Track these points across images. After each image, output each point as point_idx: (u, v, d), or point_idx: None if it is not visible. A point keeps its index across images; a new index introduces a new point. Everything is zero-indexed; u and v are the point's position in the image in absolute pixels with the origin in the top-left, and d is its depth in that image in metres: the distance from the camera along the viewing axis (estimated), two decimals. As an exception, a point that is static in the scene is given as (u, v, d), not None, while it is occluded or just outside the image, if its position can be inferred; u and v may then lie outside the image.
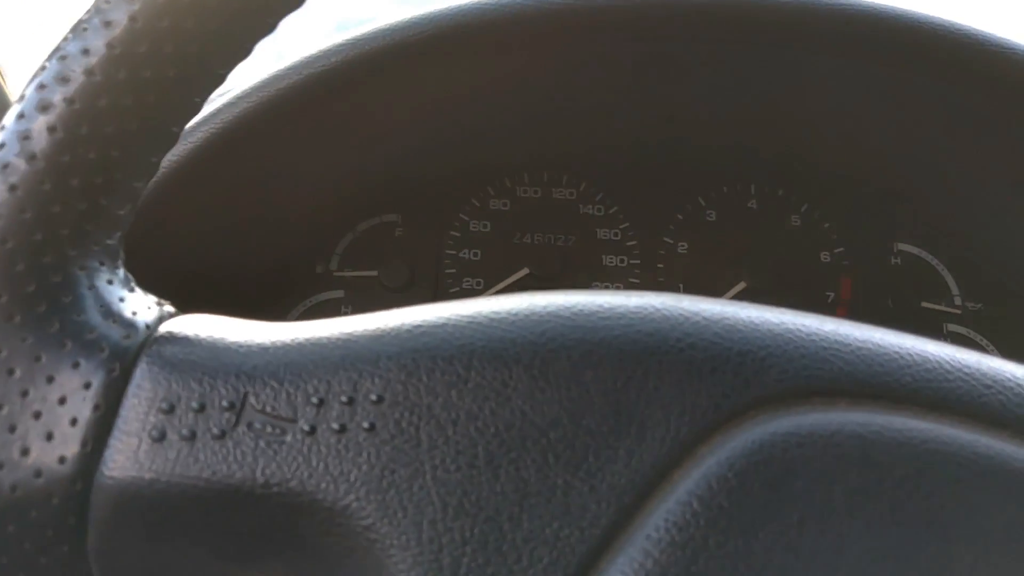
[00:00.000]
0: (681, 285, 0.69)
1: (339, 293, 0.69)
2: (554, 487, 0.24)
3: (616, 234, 0.69)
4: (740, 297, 0.69)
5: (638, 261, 0.69)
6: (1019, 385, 0.27)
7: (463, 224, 0.69)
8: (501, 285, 0.68)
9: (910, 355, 0.27)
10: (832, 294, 0.69)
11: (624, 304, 0.27)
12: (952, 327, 0.68)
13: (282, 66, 0.57)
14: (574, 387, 0.25)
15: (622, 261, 0.69)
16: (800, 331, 0.27)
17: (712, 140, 0.69)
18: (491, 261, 0.69)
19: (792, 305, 0.68)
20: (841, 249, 0.69)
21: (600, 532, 0.24)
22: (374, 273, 0.69)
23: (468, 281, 0.69)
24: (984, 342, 0.69)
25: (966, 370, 0.27)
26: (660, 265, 0.69)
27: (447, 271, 0.69)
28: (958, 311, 0.69)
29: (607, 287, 0.69)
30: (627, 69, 0.64)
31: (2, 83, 0.74)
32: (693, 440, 0.25)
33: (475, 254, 0.69)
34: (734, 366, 0.26)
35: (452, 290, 0.69)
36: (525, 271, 0.69)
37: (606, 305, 0.27)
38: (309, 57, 0.57)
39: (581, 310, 0.27)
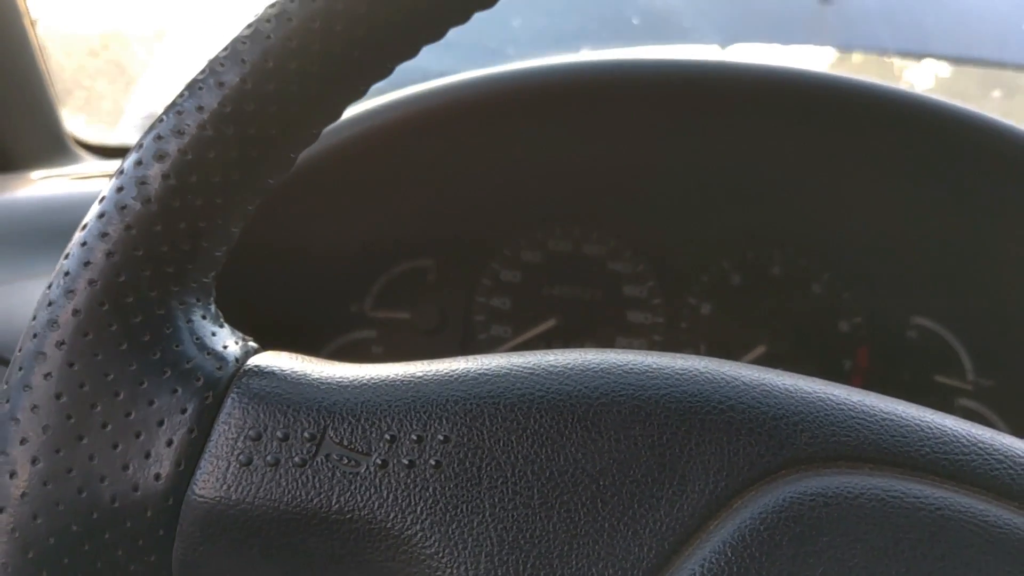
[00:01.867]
0: (703, 345, 0.71)
1: (371, 333, 0.71)
2: (601, 530, 0.27)
3: (642, 292, 0.72)
4: (759, 360, 0.71)
5: (662, 319, 0.71)
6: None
7: (494, 273, 0.72)
8: (529, 334, 0.71)
9: (930, 428, 0.29)
10: (849, 362, 0.71)
11: (671, 365, 0.30)
12: (964, 402, 0.70)
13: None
14: (623, 439, 0.28)
15: (647, 319, 0.71)
16: (830, 400, 0.30)
17: (739, 206, 0.71)
18: (520, 310, 0.71)
19: (809, 371, 0.70)
20: (859, 319, 0.71)
21: (640, 574, 0.26)
22: (406, 315, 0.71)
23: (496, 328, 0.71)
24: (995, 418, 0.71)
25: (980, 445, 0.29)
26: (683, 325, 0.71)
27: (476, 318, 0.71)
28: (970, 387, 0.71)
29: (631, 343, 0.71)
30: (661, 135, 0.67)
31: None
32: (729, 494, 0.28)
33: (504, 303, 0.72)
34: (769, 429, 0.28)
35: (480, 336, 0.71)
36: (552, 322, 0.71)
37: (654, 365, 0.30)
38: (361, 113, 0.60)
39: (632, 368, 0.29)
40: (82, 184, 0.73)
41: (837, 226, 0.71)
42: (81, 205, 0.68)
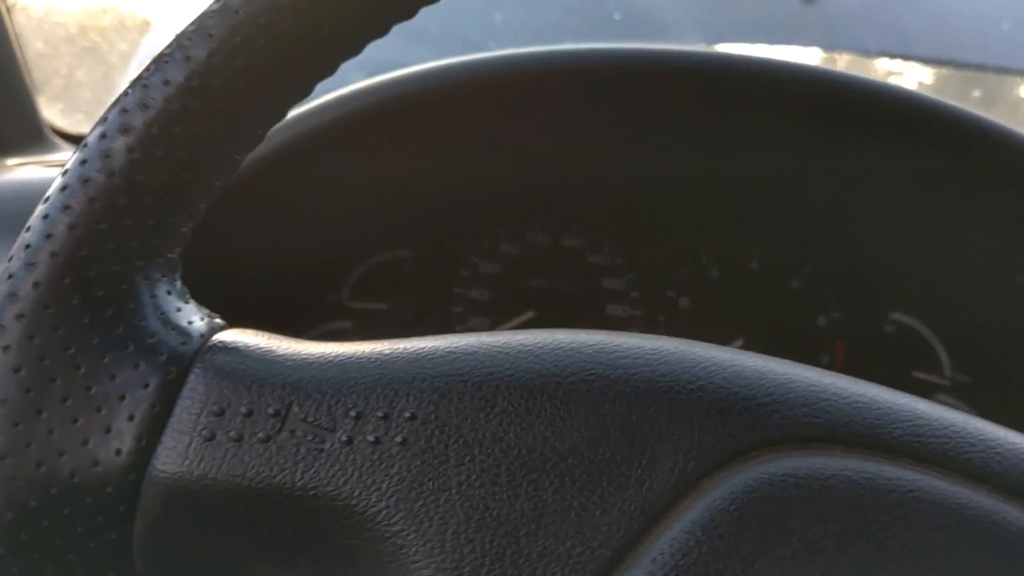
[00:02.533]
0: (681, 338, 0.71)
1: (348, 323, 0.70)
2: (569, 508, 0.26)
3: (621, 284, 0.72)
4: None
5: (640, 312, 0.71)
6: (999, 444, 0.29)
7: (473, 264, 0.72)
8: (507, 326, 0.70)
9: (902, 411, 0.29)
10: (826, 357, 0.71)
11: (642, 345, 0.29)
12: (941, 398, 0.71)
13: (312, 104, 0.60)
14: (593, 418, 0.27)
15: (625, 311, 0.71)
16: (802, 381, 0.29)
17: (719, 201, 0.71)
18: (498, 302, 0.71)
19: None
20: (838, 314, 0.72)
21: (609, 553, 0.26)
22: (383, 306, 0.71)
23: (474, 320, 0.71)
24: (971, 414, 0.71)
25: (953, 428, 0.29)
26: (661, 318, 0.71)
27: (455, 309, 0.71)
28: (947, 383, 0.71)
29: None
30: (640, 128, 0.66)
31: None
32: (699, 474, 0.27)
33: (483, 294, 0.71)
34: (740, 409, 0.28)
35: (458, 327, 0.71)
36: (531, 314, 0.71)
37: (625, 345, 0.29)
38: (339, 98, 0.60)
39: (603, 348, 0.29)
40: (56, 171, 0.72)
41: (816, 220, 0.71)
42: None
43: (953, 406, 0.69)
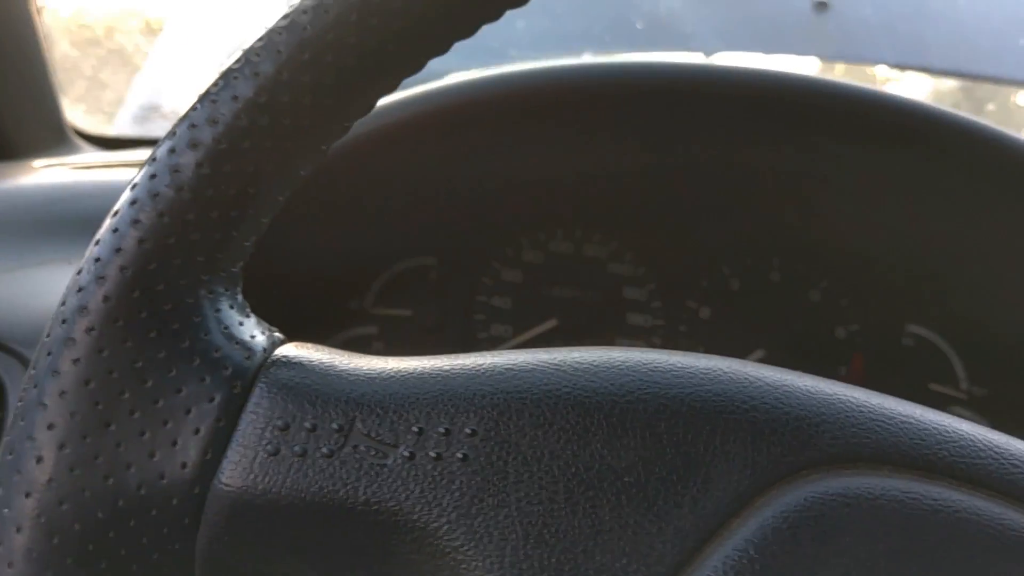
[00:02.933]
0: (701, 349, 0.72)
1: (373, 329, 0.71)
2: (625, 526, 0.27)
3: (642, 294, 0.72)
4: (757, 364, 0.71)
5: (662, 322, 0.72)
6: None
7: (495, 272, 0.72)
8: (529, 334, 0.71)
9: (947, 432, 0.30)
10: (844, 369, 0.71)
11: (696, 365, 0.30)
12: (957, 410, 0.71)
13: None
14: (648, 437, 0.28)
15: (646, 321, 0.72)
16: (851, 402, 0.30)
17: (740, 213, 0.72)
18: (520, 310, 0.72)
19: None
20: (856, 326, 0.72)
21: (664, 570, 0.27)
22: (407, 313, 0.71)
23: (497, 327, 0.71)
24: (987, 427, 0.72)
25: (996, 450, 0.30)
26: (682, 328, 0.72)
27: (477, 316, 0.72)
28: (963, 395, 0.72)
29: (630, 344, 0.71)
30: (664, 139, 0.67)
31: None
32: (752, 493, 0.28)
33: (506, 302, 0.72)
34: (792, 429, 0.29)
35: (481, 335, 0.71)
36: (553, 322, 0.72)
37: (679, 364, 0.30)
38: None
39: (657, 367, 0.30)
40: (83, 174, 0.73)
41: (835, 234, 0.71)
42: (82, 195, 0.67)
43: (969, 419, 0.70)
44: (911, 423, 0.30)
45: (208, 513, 0.27)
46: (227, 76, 0.30)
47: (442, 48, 0.32)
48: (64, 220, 0.64)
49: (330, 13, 0.29)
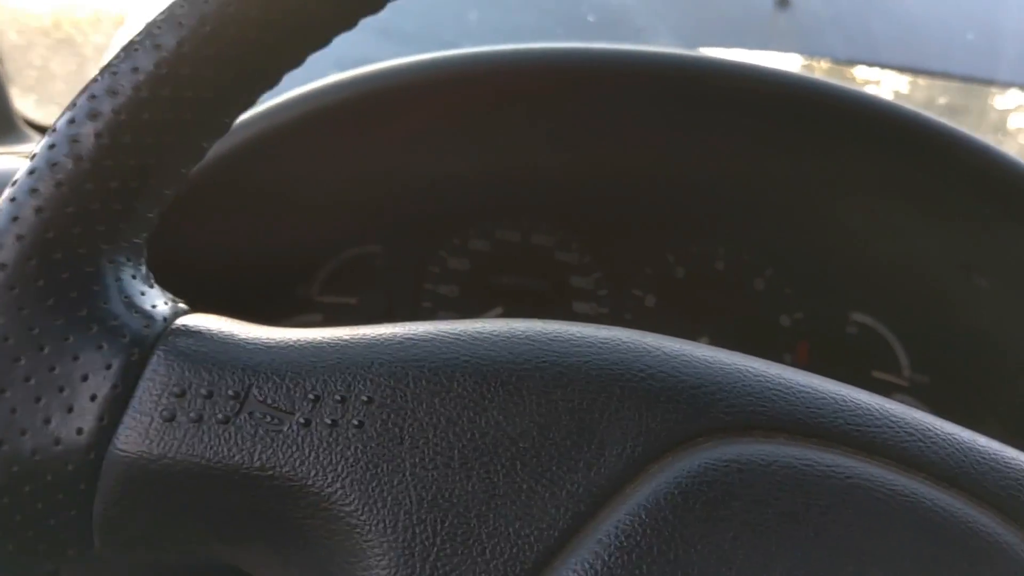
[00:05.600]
0: (646, 336, 0.72)
1: (318, 317, 0.71)
2: (519, 491, 0.27)
3: (589, 282, 0.73)
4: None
5: (607, 310, 0.72)
6: (935, 435, 0.30)
7: (443, 261, 0.72)
8: (475, 322, 0.71)
9: (844, 400, 0.30)
10: (789, 356, 0.72)
11: (595, 335, 0.30)
12: (900, 397, 0.72)
13: (284, 97, 0.60)
14: (544, 404, 0.28)
15: (592, 309, 0.72)
16: (748, 372, 0.31)
17: (685, 201, 0.72)
18: (467, 298, 0.72)
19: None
20: (800, 315, 0.73)
21: (556, 534, 0.27)
22: (353, 300, 0.71)
23: (443, 315, 0.72)
24: (929, 413, 0.72)
25: (891, 418, 0.30)
26: (628, 316, 0.72)
27: (424, 304, 0.72)
28: (906, 383, 0.73)
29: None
30: (609, 128, 0.67)
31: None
32: (646, 459, 0.28)
33: (452, 290, 0.72)
34: (688, 397, 0.29)
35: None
36: (499, 310, 0.72)
37: (578, 334, 0.30)
38: (308, 92, 0.60)
39: (556, 337, 0.30)
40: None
41: (779, 222, 0.72)
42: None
43: (911, 406, 0.71)
44: (807, 392, 0.30)
45: (104, 479, 0.27)
46: (128, 49, 0.30)
47: (348, 23, 0.32)
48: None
49: None
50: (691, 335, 0.71)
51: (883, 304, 0.72)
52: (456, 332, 0.30)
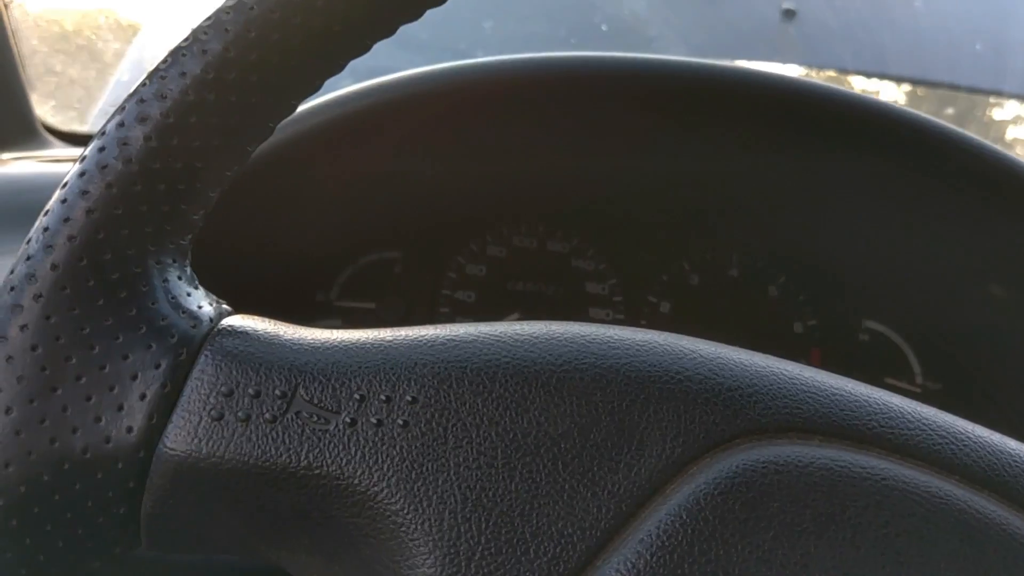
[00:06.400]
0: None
1: (337, 322, 0.72)
2: (562, 491, 0.28)
3: (604, 289, 0.73)
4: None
5: (623, 316, 0.73)
6: (967, 437, 0.31)
7: (460, 266, 0.73)
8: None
9: (877, 404, 0.31)
10: (802, 363, 0.73)
11: (632, 337, 0.31)
12: None
13: (303, 107, 0.61)
14: (584, 405, 0.29)
15: (607, 315, 0.73)
16: (784, 374, 0.31)
17: (700, 208, 0.73)
18: (484, 304, 0.73)
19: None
20: (813, 322, 0.73)
21: (599, 533, 0.28)
22: (371, 306, 0.72)
23: (461, 321, 0.72)
24: None
25: (924, 422, 0.31)
26: (643, 322, 0.73)
27: (441, 310, 0.72)
28: (918, 389, 0.73)
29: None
30: (627, 136, 0.68)
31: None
32: (685, 460, 0.29)
33: (469, 296, 0.73)
34: (725, 399, 0.30)
35: (444, 328, 0.72)
36: (516, 316, 0.72)
37: (616, 337, 0.31)
38: (328, 101, 0.61)
39: (594, 339, 0.31)
40: (51, 166, 0.73)
41: (793, 229, 0.73)
42: (49, 185, 0.67)
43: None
44: (842, 395, 0.31)
45: (152, 477, 0.28)
46: (175, 54, 0.30)
47: (388, 30, 0.33)
48: (30, 210, 0.64)
49: None
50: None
51: (895, 311, 0.73)
52: (497, 334, 0.30)
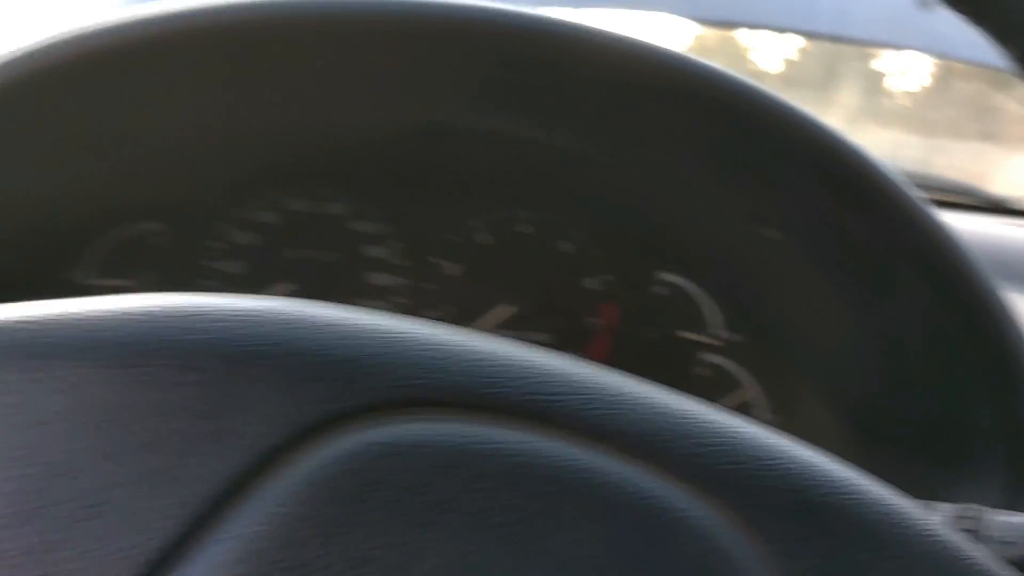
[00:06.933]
0: (449, 306, 0.69)
1: (89, 302, 0.65)
2: (110, 500, 0.23)
3: (384, 252, 0.69)
4: (506, 320, 0.69)
5: (406, 280, 0.68)
6: (626, 399, 0.27)
7: (227, 234, 0.67)
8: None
9: (523, 367, 0.27)
10: (596, 320, 0.70)
11: (227, 306, 0.26)
12: (710, 357, 0.70)
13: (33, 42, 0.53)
14: (152, 393, 0.24)
15: (390, 280, 0.68)
16: (415, 340, 0.27)
17: (487, 165, 0.69)
18: (256, 275, 0.67)
19: (557, 329, 0.68)
20: (609, 276, 0.70)
21: (164, 545, 0.23)
22: (129, 283, 0.66)
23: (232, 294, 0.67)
24: (744, 374, 0.71)
25: (576, 384, 0.27)
26: (428, 286, 0.69)
27: (209, 283, 0.67)
28: (720, 342, 0.71)
29: (373, 305, 0.68)
30: (401, 93, 0.63)
31: None
32: (281, 447, 0.24)
33: (241, 267, 0.67)
34: (335, 373, 0.25)
35: (214, 303, 0.66)
36: (292, 286, 0.67)
37: (208, 306, 0.26)
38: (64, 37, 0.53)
39: (179, 311, 0.26)
40: None
41: (584, 183, 0.69)
42: None
43: (723, 366, 0.69)
44: (481, 360, 0.27)
45: None
46: None
47: None
48: None
49: None
50: (496, 301, 0.68)
51: (687, 262, 0.70)
52: (57, 314, 0.26)
